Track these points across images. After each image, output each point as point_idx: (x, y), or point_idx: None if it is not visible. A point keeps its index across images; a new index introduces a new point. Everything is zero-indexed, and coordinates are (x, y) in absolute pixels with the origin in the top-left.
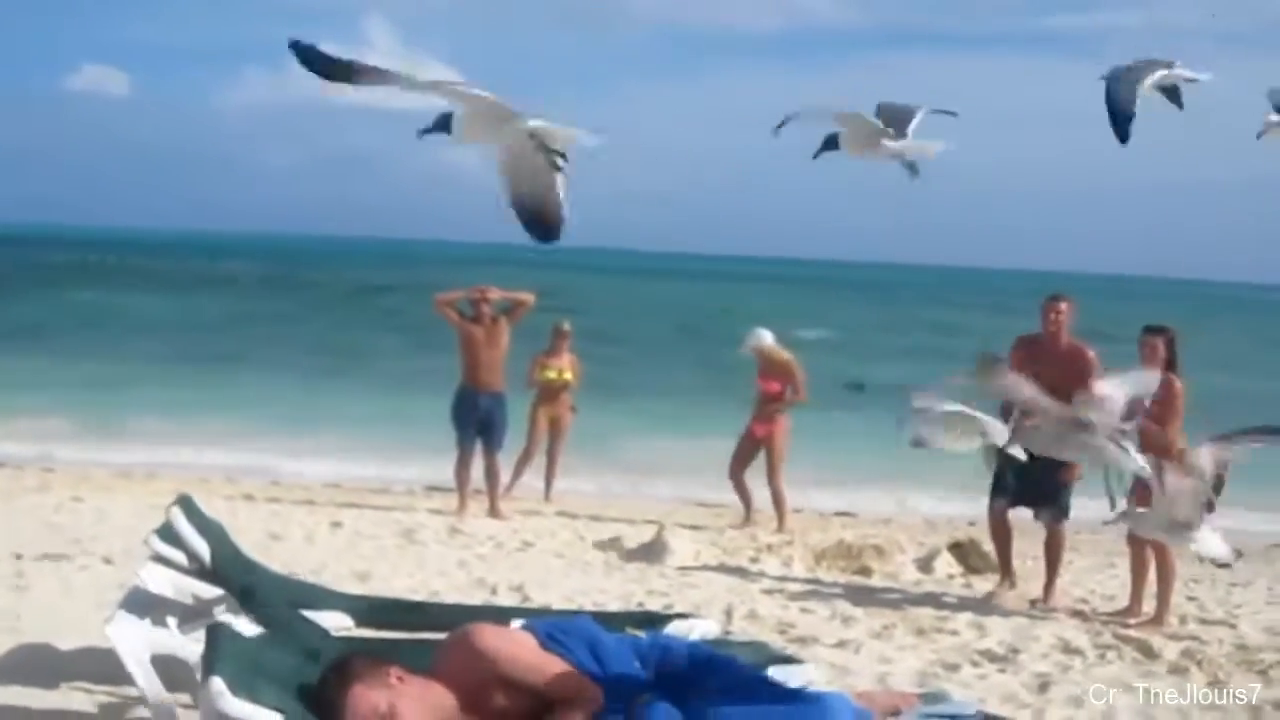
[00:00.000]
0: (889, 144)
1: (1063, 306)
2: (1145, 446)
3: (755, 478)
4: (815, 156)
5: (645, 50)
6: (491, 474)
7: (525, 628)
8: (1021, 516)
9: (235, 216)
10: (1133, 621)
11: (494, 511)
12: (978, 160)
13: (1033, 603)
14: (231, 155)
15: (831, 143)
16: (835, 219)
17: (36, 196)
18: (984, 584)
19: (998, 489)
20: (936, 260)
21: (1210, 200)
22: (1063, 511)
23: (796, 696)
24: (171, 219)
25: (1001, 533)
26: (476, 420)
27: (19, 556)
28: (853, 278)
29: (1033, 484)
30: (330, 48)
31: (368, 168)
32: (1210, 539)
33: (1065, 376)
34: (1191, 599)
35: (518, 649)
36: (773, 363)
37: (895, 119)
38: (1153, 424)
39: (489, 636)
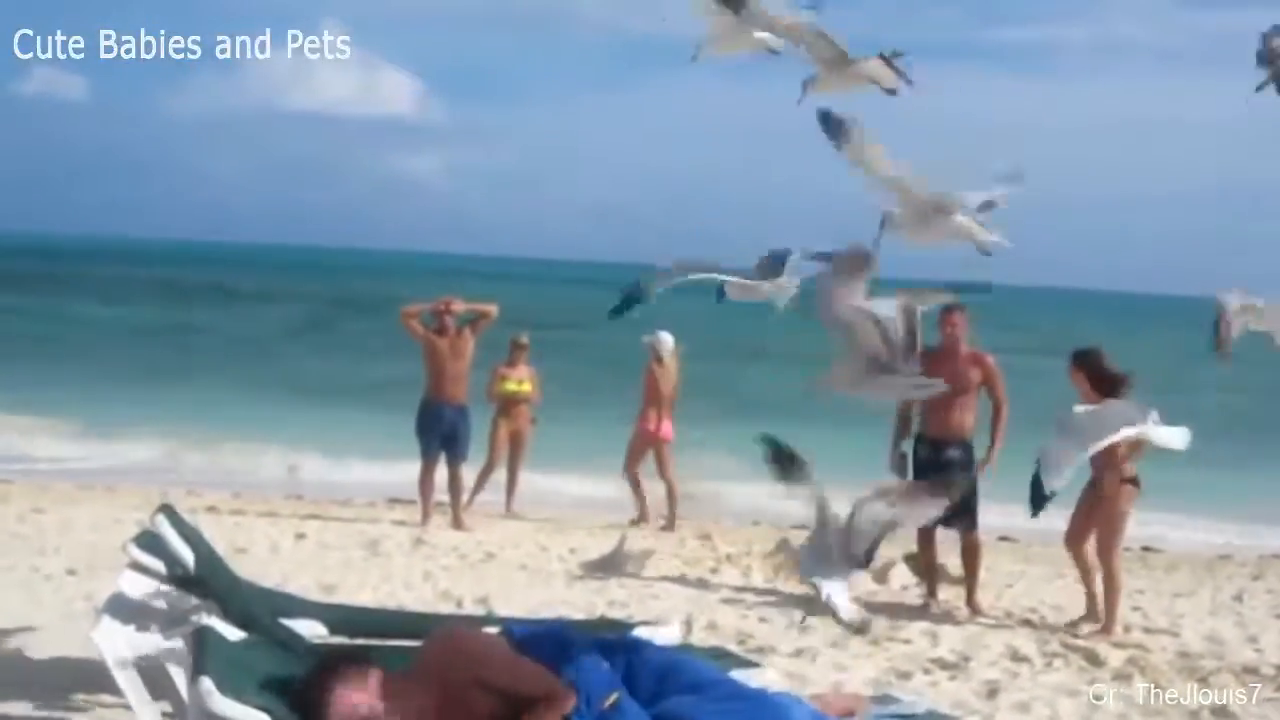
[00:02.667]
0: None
1: (956, 318)
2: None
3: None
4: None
5: (593, 57)
6: (454, 485)
7: (499, 632)
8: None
9: (184, 224)
10: (1084, 630)
11: (457, 523)
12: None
13: (972, 610)
14: (182, 161)
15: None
16: (780, 231)
17: None
18: (939, 594)
19: None
20: (886, 274)
21: (1150, 213)
22: (973, 519)
23: (757, 696)
24: (119, 226)
25: (929, 549)
26: (441, 433)
27: None
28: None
29: None
30: None
31: (319, 175)
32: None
33: (964, 383)
34: (1136, 609)
35: (493, 651)
36: (665, 367)
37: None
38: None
39: (466, 639)
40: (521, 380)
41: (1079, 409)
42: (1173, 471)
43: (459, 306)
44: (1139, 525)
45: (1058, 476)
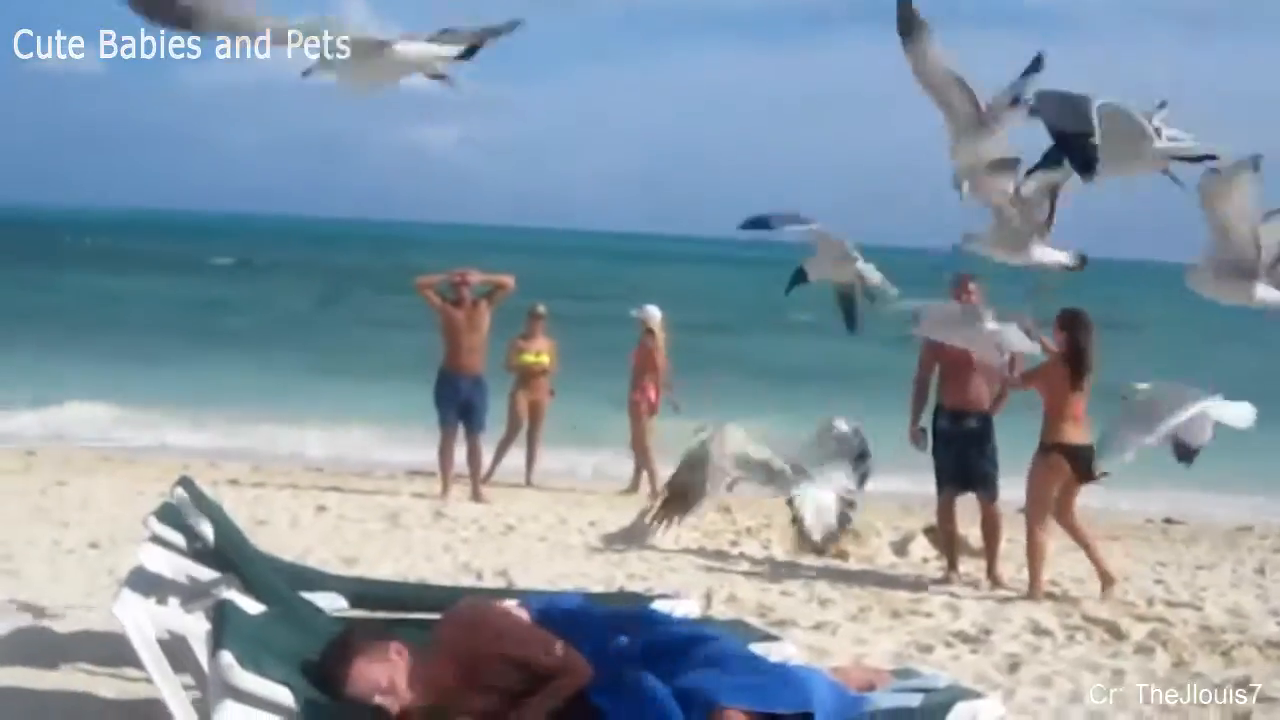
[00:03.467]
0: (859, 266)
1: (972, 286)
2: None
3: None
4: (787, 292)
5: (611, 27)
6: (474, 457)
7: (519, 605)
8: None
9: (206, 196)
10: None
11: (476, 495)
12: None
13: (993, 582)
14: (202, 133)
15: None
16: (808, 201)
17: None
18: (960, 566)
19: (941, 479)
20: (907, 243)
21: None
22: (995, 490)
23: (777, 669)
24: (141, 198)
25: (949, 521)
26: (458, 403)
27: (7, 541)
28: None
29: (968, 468)
30: None
31: (336, 147)
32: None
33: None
34: (1159, 582)
35: (512, 624)
36: (655, 339)
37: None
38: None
39: (485, 612)
40: (539, 352)
41: (1141, 387)
42: None
43: (475, 277)
44: (1155, 501)
45: (1118, 455)
